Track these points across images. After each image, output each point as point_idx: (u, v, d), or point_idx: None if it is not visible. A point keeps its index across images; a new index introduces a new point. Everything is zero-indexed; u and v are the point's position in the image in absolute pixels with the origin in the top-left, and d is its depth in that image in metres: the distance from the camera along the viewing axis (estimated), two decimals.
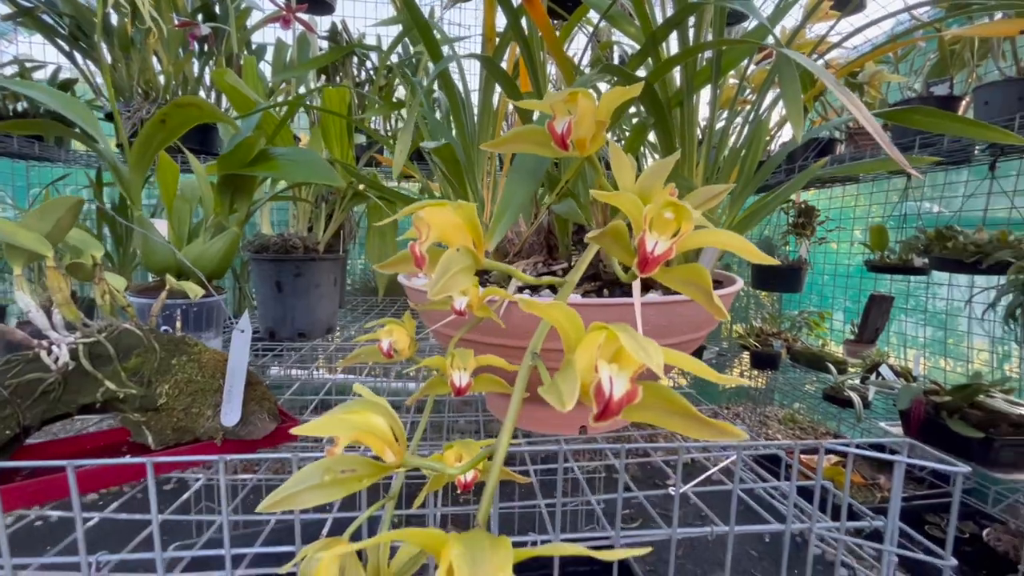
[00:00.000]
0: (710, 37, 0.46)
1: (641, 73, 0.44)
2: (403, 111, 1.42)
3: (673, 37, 0.46)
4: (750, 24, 1.97)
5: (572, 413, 0.54)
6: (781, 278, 1.66)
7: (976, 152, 1.27)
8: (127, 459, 0.35)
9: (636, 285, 0.22)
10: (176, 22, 0.91)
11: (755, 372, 1.87)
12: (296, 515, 0.36)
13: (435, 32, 0.48)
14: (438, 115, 0.72)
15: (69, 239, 0.40)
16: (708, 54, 0.48)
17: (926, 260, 1.40)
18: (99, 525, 0.40)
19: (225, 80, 0.80)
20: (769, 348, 1.68)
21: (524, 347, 0.40)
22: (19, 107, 1.56)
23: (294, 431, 0.15)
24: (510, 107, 0.72)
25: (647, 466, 1.66)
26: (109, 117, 1.51)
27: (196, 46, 1.21)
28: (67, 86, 1.63)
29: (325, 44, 1.59)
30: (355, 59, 1.53)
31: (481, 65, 0.58)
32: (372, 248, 1.06)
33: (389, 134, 1.61)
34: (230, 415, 0.44)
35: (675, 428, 0.15)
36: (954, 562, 0.33)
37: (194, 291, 0.43)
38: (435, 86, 0.65)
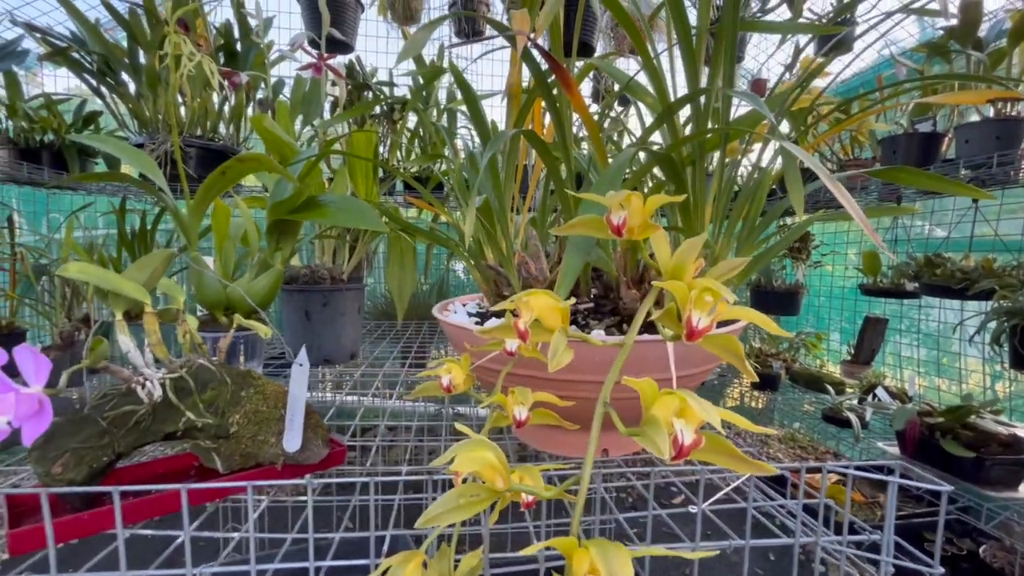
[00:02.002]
0: (720, 99, 0.52)
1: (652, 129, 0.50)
2: (414, 137, 1.49)
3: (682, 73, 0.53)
4: (749, 62, 2.05)
5: (600, 440, 0.59)
6: (779, 302, 1.72)
7: (963, 182, 1.35)
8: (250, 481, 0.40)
9: (670, 344, 0.27)
10: (220, 72, 0.97)
11: (755, 393, 1.92)
12: (338, 534, 0.41)
13: (479, 105, 0.54)
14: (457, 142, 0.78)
15: (159, 286, 0.46)
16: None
17: (916, 285, 1.46)
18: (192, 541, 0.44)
19: (263, 125, 0.86)
20: (768, 369, 1.73)
21: (557, 378, 0.45)
22: (45, 139, 1.62)
23: (435, 464, 0.20)
24: (532, 158, 0.79)
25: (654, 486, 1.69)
26: (139, 148, 1.58)
27: (229, 88, 1.28)
28: (93, 118, 1.70)
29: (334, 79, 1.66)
30: (370, 93, 1.61)
31: (508, 114, 0.65)
32: (392, 276, 1.11)
33: (400, 164, 1.68)
34: (292, 442, 0.49)
35: (724, 464, 0.21)
36: (942, 570, 0.37)
37: (264, 330, 0.49)
38: (433, 115, 0.71)
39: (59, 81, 2.01)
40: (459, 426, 0.27)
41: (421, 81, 1.65)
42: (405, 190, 1.72)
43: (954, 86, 1.09)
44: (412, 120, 1.69)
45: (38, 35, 1.41)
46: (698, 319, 0.23)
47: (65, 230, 1.60)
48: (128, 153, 0.61)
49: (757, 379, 0.34)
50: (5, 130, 1.55)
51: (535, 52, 0.44)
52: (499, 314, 0.64)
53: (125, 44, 1.47)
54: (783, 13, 1.70)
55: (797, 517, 0.43)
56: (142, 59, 1.47)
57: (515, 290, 0.63)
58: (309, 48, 1.04)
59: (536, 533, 0.45)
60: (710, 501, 0.48)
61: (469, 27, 1.58)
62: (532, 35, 0.41)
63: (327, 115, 1.56)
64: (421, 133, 1.69)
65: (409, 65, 1.89)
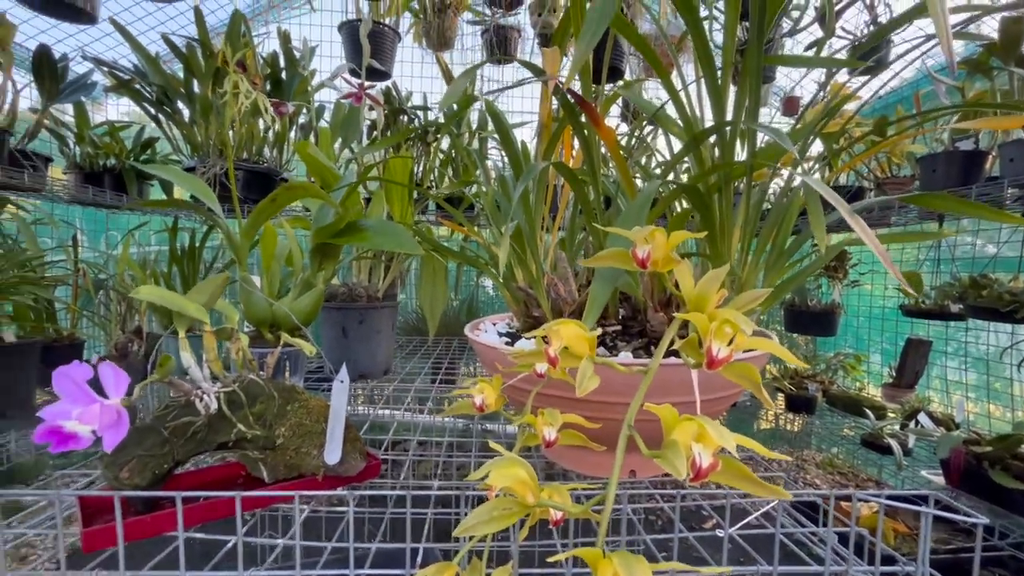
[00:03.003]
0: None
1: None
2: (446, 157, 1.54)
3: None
4: (781, 79, 2.03)
5: (626, 461, 0.60)
6: (814, 322, 1.68)
7: (1008, 202, 1.30)
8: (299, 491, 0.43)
9: (694, 371, 0.29)
10: (270, 103, 1.04)
11: (790, 415, 1.86)
12: (374, 544, 0.43)
13: (511, 135, 0.57)
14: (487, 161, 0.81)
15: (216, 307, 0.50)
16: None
17: (961, 307, 1.41)
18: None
19: (307, 151, 0.91)
20: (804, 391, 1.68)
21: (584, 399, 0.46)
22: (107, 163, 1.74)
23: (470, 478, 0.22)
24: (561, 179, 0.81)
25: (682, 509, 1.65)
26: (189, 171, 1.69)
27: (276, 116, 1.35)
28: (150, 144, 1.82)
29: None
30: (405, 117, 1.67)
31: (539, 142, 0.67)
32: (424, 294, 1.14)
33: (434, 184, 1.73)
34: (332, 455, 0.52)
35: (740, 487, 0.22)
36: None
37: (308, 348, 0.52)
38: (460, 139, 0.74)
39: (118, 108, 2.17)
40: (492, 443, 0.29)
41: (455, 107, 1.71)
42: (437, 209, 1.78)
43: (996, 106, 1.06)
44: (444, 141, 1.75)
45: (105, 69, 1.53)
46: (718, 349, 0.24)
47: (122, 248, 1.71)
48: (185, 180, 0.67)
49: (773, 406, 0.35)
50: (73, 156, 1.67)
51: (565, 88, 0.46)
52: (530, 335, 0.66)
53: (181, 75, 1.58)
54: (815, 31, 1.69)
55: (828, 545, 0.42)
56: (196, 89, 1.57)
57: (544, 311, 0.65)
58: (350, 77, 1.10)
59: (564, 550, 0.46)
60: (738, 525, 0.48)
61: (500, 52, 1.64)
62: (562, 76, 0.43)
63: (364, 137, 1.63)
64: (454, 155, 1.74)
65: (443, 88, 1.96)
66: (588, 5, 0.40)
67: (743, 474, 0.22)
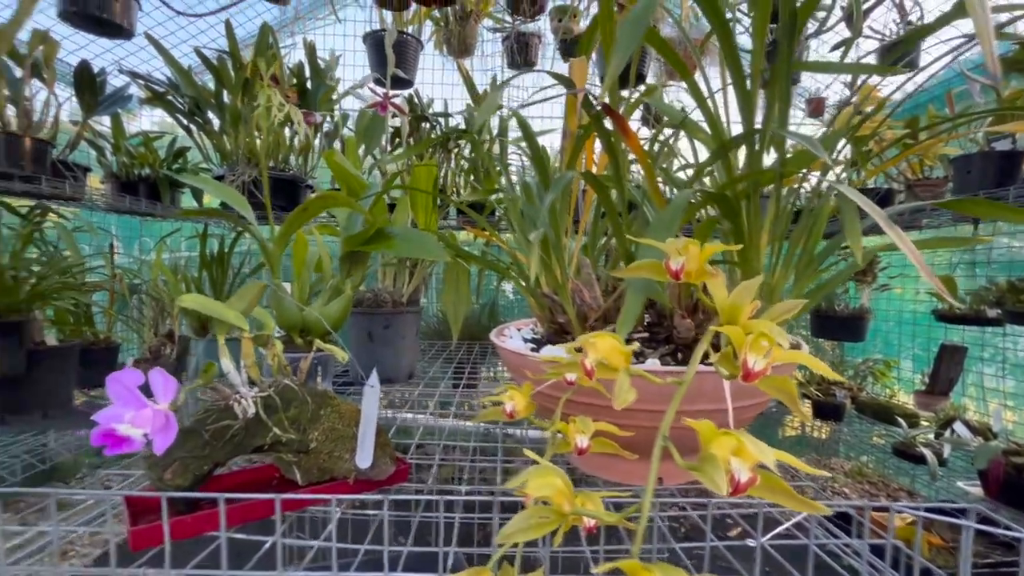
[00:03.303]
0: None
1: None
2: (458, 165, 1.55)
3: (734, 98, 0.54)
4: (806, 80, 2.00)
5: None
6: (842, 327, 1.64)
7: None
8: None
9: (727, 382, 0.29)
10: (301, 114, 1.08)
11: (817, 422, 1.82)
12: (406, 547, 0.44)
13: (540, 150, 0.57)
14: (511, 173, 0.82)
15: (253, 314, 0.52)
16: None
17: (999, 311, 1.36)
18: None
19: (334, 160, 0.94)
20: (832, 398, 1.65)
21: (610, 406, 0.46)
22: (142, 173, 1.80)
23: (508, 486, 0.23)
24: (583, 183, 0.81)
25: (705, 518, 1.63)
26: (219, 179, 1.74)
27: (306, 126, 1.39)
28: (182, 153, 1.88)
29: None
30: (427, 124, 1.70)
31: (563, 150, 0.68)
32: (448, 299, 1.16)
33: (456, 191, 1.75)
34: (364, 459, 0.53)
35: (779, 502, 0.22)
36: None
37: (340, 355, 0.53)
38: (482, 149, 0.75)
39: (151, 118, 2.25)
40: (527, 451, 0.30)
41: (475, 115, 1.73)
42: (458, 215, 1.79)
43: None
44: (466, 147, 1.77)
45: (141, 82, 1.59)
46: (754, 362, 0.24)
47: (156, 254, 1.77)
48: (219, 189, 0.69)
49: (808, 420, 0.35)
50: (110, 166, 1.74)
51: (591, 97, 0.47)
52: (554, 341, 0.66)
53: (212, 86, 1.63)
54: (842, 31, 1.66)
55: (863, 558, 0.42)
56: (226, 99, 1.62)
57: (570, 318, 0.65)
58: (375, 86, 1.12)
59: (593, 558, 0.46)
60: (769, 536, 0.47)
61: (522, 59, 1.65)
62: (588, 88, 0.44)
63: (387, 144, 1.66)
64: (477, 161, 1.76)
65: (464, 96, 1.98)
66: (619, 18, 0.40)
67: (782, 489, 0.22)
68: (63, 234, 1.27)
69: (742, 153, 0.58)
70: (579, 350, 0.29)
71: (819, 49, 1.92)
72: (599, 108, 0.43)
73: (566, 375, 0.41)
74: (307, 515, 1.09)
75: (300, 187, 1.73)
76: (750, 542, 0.46)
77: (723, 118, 0.55)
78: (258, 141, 1.69)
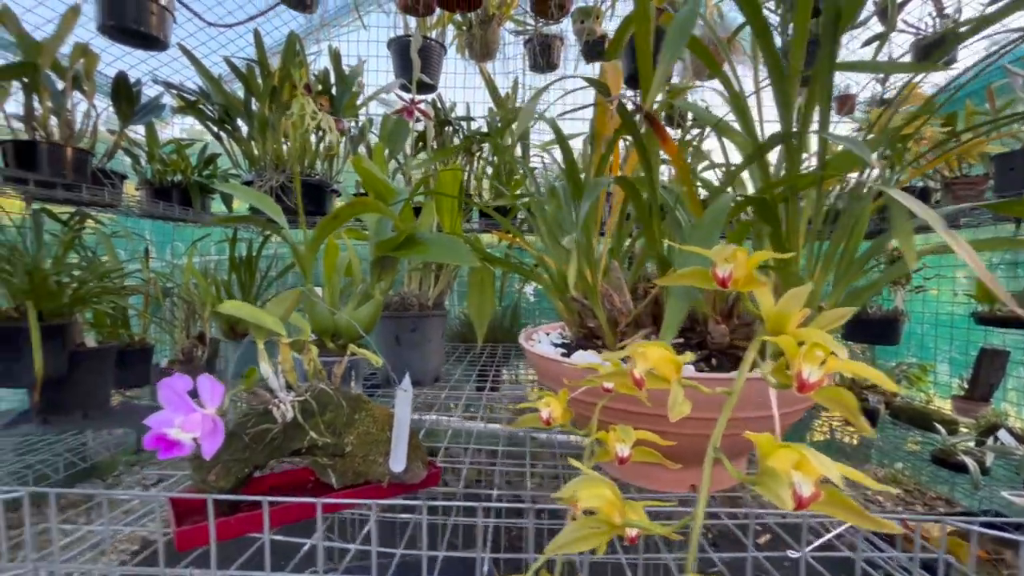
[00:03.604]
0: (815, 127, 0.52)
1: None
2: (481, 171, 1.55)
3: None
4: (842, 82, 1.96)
5: (684, 474, 0.59)
6: (875, 330, 1.60)
7: None
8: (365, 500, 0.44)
9: (773, 390, 0.28)
10: (334, 121, 1.09)
11: (849, 428, 1.77)
12: (441, 552, 0.44)
13: (573, 154, 0.57)
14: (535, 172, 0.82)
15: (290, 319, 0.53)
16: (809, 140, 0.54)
17: None
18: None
19: (362, 165, 0.95)
20: (865, 403, 1.60)
21: (652, 413, 0.46)
22: (174, 179, 1.85)
23: (557, 496, 0.22)
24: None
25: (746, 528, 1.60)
26: (247, 184, 1.78)
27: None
28: (212, 160, 1.93)
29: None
30: (450, 128, 1.71)
31: (592, 153, 0.67)
32: (472, 302, 1.16)
33: (478, 194, 1.76)
34: (397, 463, 0.53)
35: (843, 518, 0.21)
36: None
37: (375, 359, 0.54)
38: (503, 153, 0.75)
39: (181, 126, 2.31)
40: (572, 461, 0.30)
41: (498, 120, 1.73)
42: (480, 218, 1.80)
43: None
44: (486, 150, 1.77)
45: (174, 91, 1.63)
46: (808, 373, 0.24)
47: (187, 258, 1.81)
48: (252, 196, 0.70)
49: (874, 434, 0.34)
50: (144, 173, 1.79)
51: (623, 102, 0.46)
52: (584, 346, 0.66)
53: (241, 94, 1.66)
54: (874, 26, 1.61)
55: (913, 574, 0.40)
56: (255, 107, 1.66)
57: (600, 323, 0.64)
58: (400, 92, 1.13)
59: (630, 566, 0.45)
60: (812, 547, 0.46)
61: (544, 61, 1.65)
62: (617, 94, 0.43)
63: (410, 149, 1.68)
64: (499, 164, 1.76)
65: (485, 100, 1.99)
66: (665, 24, 0.40)
67: (846, 504, 0.21)
68: (103, 240, 1.31)
69: (772, 154, 0.56)
70: (626, 360, 0.29)
71: (849, 44, 1.88)
72: (636, 112, 0.43)
73: (604, 384, 0.40)
74: (335, 516, 1.11)
75: (326, 192, 1.76)
76: (791, 553, 0.45)
77: (755, 119, 0.54)
78: (285, 147, 1.72)
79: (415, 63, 1.10)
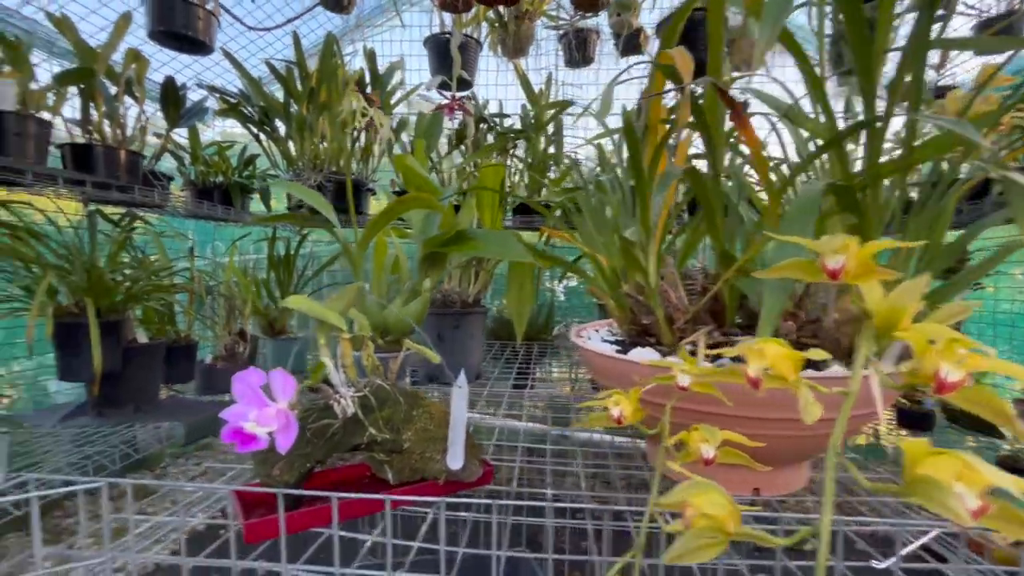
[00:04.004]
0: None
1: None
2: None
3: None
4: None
5: (746, 476, 0.56)
6: None
7: None
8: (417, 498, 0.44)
9: (874, 380, 0.26)
10: (384, 117, 1.10)
11: (902, 432, 1.69)
12: (504, 552, 0.43)
13: (640, 149, 0.55)
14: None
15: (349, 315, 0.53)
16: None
17: None
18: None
19: (405, 163, 0.95)
20: (919, 405, 1.52)
21: (730, 414, 0.44)
22: (216, 180, 1.90)
23: (662, 503, 0.21)
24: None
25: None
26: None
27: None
28: (251, 161, 1.97)
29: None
30: (485, 125, 1.70)
31: (644, 144, 0.65)
32: (512, 298, 1.15)
33: (511, 191, 1.75)
34: (455, 460, 0.53)
35: (1017, 535, 0.19)
36: None
37: (433, 357, 0.53)
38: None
39: (220, 128, 2.38)
40: (671, 464, 0.28)
41: (532, 116, 1.72)
42: (514, 216, 1.79)
43: None
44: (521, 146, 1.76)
45: (217, 95, 1.68)
46: (947, 372, 0.22)
47: (229, 256, 1.86)
48: (305, 193, 0.71)
49: None
50: (188, 174, 1.84)
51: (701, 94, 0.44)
52: (639, 343, 0.64)
53: (279, 96, 1.70)
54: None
55: None
56: (293, 109, 1.69)
57: (657, 319, 0.62)
58: (438, 90, 1.13)
59: (702, 570, 0.44)
60: (898, 556, 0.43)
61: (580, 55, 1.62)
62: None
63: (445, 146, 1.68)
64: (531, 161, 1.75)
65: (518, 95, 1.98)
66: None
67: (1018, 519, 0.19)
68: (154, 239, 1.36)
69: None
70: (715, 358, 0.27)
71: (900, 28, 1.79)
72: (727, 105, 0.41)
73: (678, 380, 0.39)
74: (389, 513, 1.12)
75: (363, 191, 1.78)
76: (876, 564, 0.42)
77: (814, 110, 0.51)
78: (322, 147, 1.75)
79: (456, 60, 1.10)
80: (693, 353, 0.60)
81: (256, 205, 2.09)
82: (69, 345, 1.11)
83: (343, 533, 0.46)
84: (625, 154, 0.81)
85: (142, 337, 1.39)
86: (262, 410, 0.36)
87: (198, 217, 1.84)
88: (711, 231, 0.53)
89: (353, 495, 0.43)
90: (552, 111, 1.23)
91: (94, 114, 1.28)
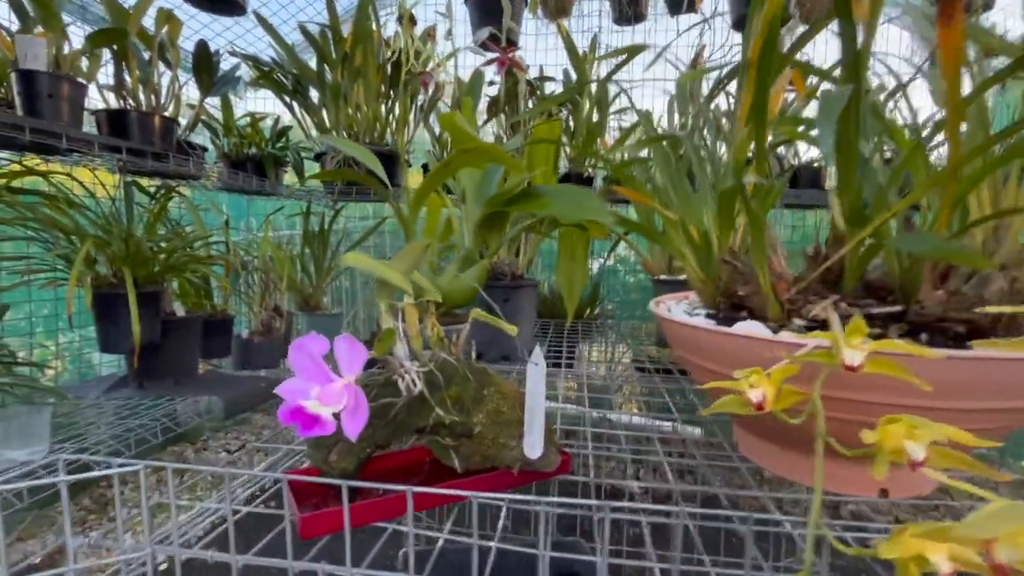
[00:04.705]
0: None
1: None
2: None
3: None
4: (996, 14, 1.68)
5: (857, 471, 0.47)
6: None
7: None
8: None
9: None
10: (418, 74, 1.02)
11: None
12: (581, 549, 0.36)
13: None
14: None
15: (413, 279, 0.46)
16: None
17: None
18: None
19: (454, 121, 0.87)
20: None
21: (913, 405, 0.35)
22: (249, 152, 1.85)
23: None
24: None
25: None
26: (317, 158, 1.76)
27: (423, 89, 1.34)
28: (284, 132, 1.92)
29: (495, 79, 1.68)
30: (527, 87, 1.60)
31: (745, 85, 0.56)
32: (562, 270, 1.07)
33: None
34: (534, 448, 0.45)
35: None
36: None
37: (511, 330, 0.46)
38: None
39: (251, 101, 2.34)
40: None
41: (573, 77, 1.61)
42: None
43: None
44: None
45: (250, 63, 1.62)
46: None
47: (264, 230, 1.82)
48: (366, 157, 0.64)
49: None
50: (222, 146, 1.80)
51: None
52: (730, 318, 0.55)
53: (312, 64, 1.63)
54: None
55: None
56: (327, 76, 1.62)
57: (762, 290, 0.53)
58: (488, 45, 1.04)
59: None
60: None
61: (631, 11, 1.50)
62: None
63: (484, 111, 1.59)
64: (573, 130, 1.64)
65: (557, 59, 1.87)
66: None
67: None
68: (191, 210, 1.32)
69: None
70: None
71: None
72: None
73: (845, 359, 0.30)
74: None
75: (397, 161, 1.71)
76: None
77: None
78: (359, 115, 1.68)
79: (506, 8, 1.00)
80: (809, 329, 0.51)
81: (290, 178, 2.05)
82: (108, 316, 1.08)
83: (419, 531, 0.40)
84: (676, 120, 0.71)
85: (180, 310, 1.37)
86: (326, 386, 0.30)
87: (232, 190, 1.80)
88: (845, 175, 0.44)
89: (432, 490, 0.36)
90: (621, 57, 1.11)
91: (127, 80, 1.24)
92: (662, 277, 1.12)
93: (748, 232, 0.59)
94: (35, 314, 1.42)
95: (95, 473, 0.32)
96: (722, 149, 0.62)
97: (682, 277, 1.13)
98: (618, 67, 1.12)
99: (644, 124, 0.71)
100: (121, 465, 0.34)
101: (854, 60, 0.39)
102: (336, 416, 0.30)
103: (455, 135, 0.89)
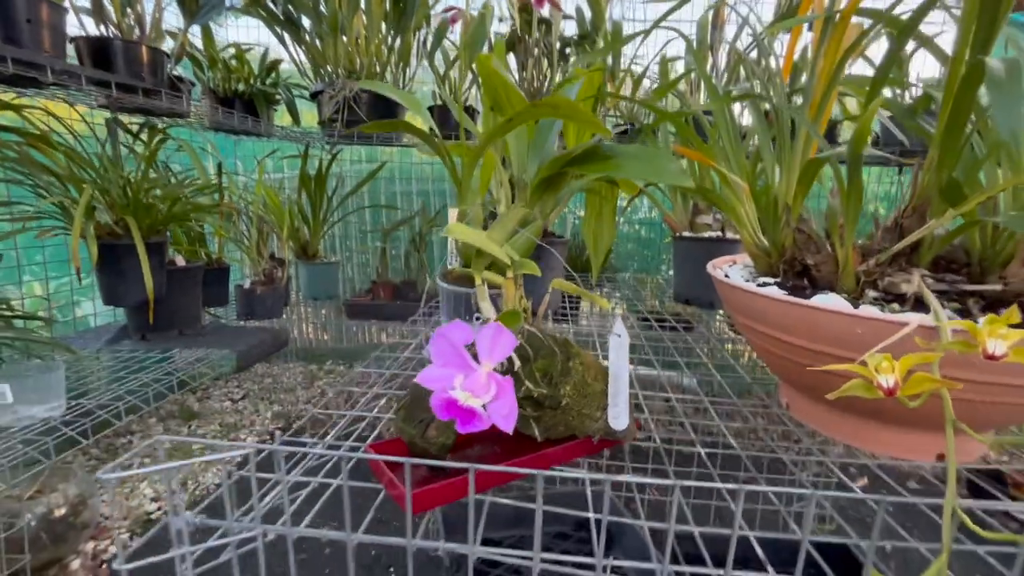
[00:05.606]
0: None
1: None
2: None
3: None
4: None
5: (928, 441, 0.49)
6: None
7: None
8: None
9: None
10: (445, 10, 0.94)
11: None
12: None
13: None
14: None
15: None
16: None
17: None
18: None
19: (490, 65, 0.80)
20: None
21: None
22: (237, 88, 1.71)
23: None
24: None
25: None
26: (312, 96, 1.63)
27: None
28: (275, 66, 1.78)
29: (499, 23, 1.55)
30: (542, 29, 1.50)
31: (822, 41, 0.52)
32: (588, 227, 1.05)
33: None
34: (619, 420, 0.46)
35: None
36: None
37: (604, 304, 0.45)
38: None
39: (241, 31, 2.14)
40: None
41: (589, 16, 1.51)
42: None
43: None
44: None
45: None
46: None
47: (257, 173, 1.73)
48: (405, 99, 0.59)
49: None
50: (207, 81, 1.66)
51: None
52: (796, 287, 0.55)
53: None
54: None
55: None
56: (323, 7, 1.48)
57: (836, 257, 0.53)
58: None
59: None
60: None
61: None
62: None
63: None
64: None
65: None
66: None
67: None
68: (190, 154, 1.23)
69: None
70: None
71: None
72: None
73: (988, 348, 0.30)
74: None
75: (399, 105, 1.61)
76: None
77: None
78: (357, 51, 1.56)
79: None
80: (886, 301, 0.51)
81: (282, 117, 1.92)
82: (113, 268, 1.02)
83: (506, 501, 0.40)
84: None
85: (180, 260, 1.31)
86: (470, 375, 0.28)
87: (220, 129, 1.68)
88: (948, 152, 0.42)
89: (558, 473, 0.36)
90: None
91: (107, 3, 1.10)
92: (685, 234, 1.11)
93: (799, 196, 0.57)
94: (29, 261, 1.34)
95: (234, 453, 0.30)
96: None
97: (705, 235, 1.12)
98: (617, 40, 1.05)
99: (703, 77, 0.67)
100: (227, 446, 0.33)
101: (991, 18, 0.36)
102: (485, 407, 0.29)
103: (488, 81, 0.84)
